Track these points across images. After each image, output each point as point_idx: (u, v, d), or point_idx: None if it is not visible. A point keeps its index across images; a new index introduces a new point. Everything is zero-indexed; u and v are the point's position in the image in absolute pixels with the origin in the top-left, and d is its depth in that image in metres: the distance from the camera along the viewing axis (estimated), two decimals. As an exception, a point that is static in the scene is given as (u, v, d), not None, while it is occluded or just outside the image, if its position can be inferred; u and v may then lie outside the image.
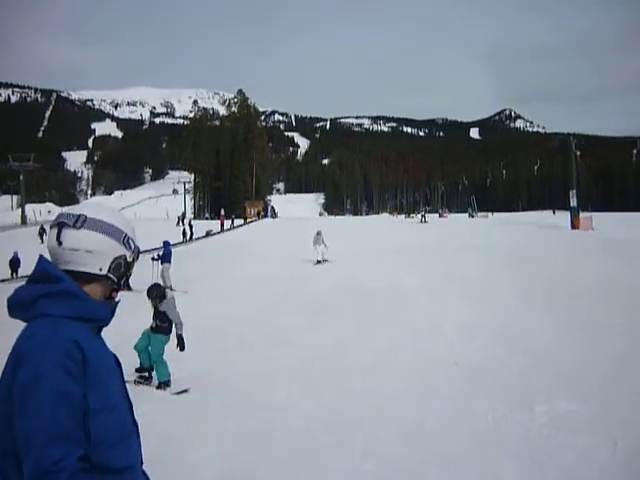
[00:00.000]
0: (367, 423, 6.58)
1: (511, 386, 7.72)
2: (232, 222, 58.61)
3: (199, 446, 6.01)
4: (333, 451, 5.81)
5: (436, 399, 7.36)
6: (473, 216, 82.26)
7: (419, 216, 65.65)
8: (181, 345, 8.10)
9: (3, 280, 21.80)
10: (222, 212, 60.24)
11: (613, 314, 12.16)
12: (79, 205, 1.94)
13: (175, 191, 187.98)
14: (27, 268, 18.62)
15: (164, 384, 7.93)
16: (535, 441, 5.93)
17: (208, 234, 44.81)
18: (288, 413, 6.98)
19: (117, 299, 1.95)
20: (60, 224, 1.83)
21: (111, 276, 1.87)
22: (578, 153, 48.54)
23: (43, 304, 1.74)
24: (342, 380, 8.30)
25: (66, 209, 1.90)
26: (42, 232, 39.41)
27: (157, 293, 8.25)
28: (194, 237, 40.72)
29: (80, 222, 1.82)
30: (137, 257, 1.97)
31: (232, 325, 12.40)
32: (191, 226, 41.99)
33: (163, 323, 8.14)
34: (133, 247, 1.94)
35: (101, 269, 1.84)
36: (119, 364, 1.90)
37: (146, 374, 8.21)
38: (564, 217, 52.55)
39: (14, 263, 23.97)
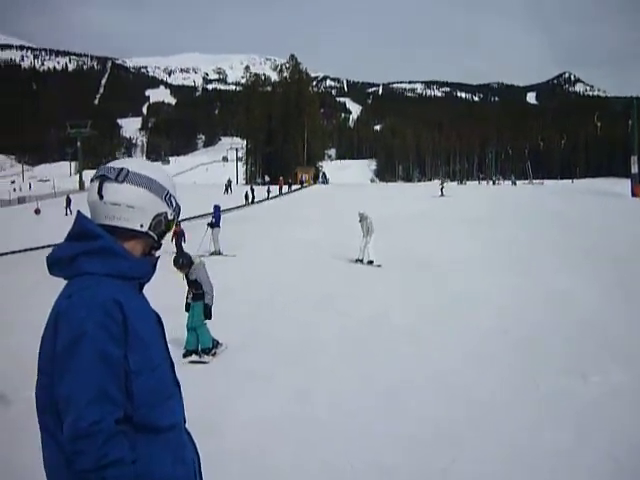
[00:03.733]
0: (417, 390, 6.54)
1: (562, 356, 7.54)
2: (289, 186, 61.84)
3: (244, 407, 6.09)
4: (381, 415, 5.81)
5: (486, 368, 7.26)
6: (515, 184, 79.72)
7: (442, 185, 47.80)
8: (208, 315, 7.95)
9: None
10: (281, 177, 63.03)
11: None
12: (122, 160, 1.89)
13: (225, 158, 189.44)
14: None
15: (207, 350, 7.92)
16: (589, 411, 5.79)
17: (269, 197, 48.66)
18: (334, 376, 7.01)
19: (157, 255, 1.92)
20: (102, 177, 1.78)
21: (151, 233, 1.83)
22: (635, 117, 46.33)
23: (83, 262, 1.71)
24: (388, 347, 8.27)
25: (109, 164, 1.84)
26: (68, 203, 37.91)
27: (184, 261, 7.98)
28: (255, 200, 44.31)
29: (122, 176, 1.77)
30: (178, 215, 1.92)
31: (279, 289, 12.49)
32: (253, 190, 46.13)
33: (198, 290, 8.00)
34: (175, 205, 1.88)
35: (142, 225, 1.79)
36: (161, 323, 1.89)
37: (196, 357, 7.91)
38: (622, 184, 50.76)
39: None
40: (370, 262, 15.32)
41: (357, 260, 15.56)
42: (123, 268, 1.74)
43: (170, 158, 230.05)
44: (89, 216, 1.80)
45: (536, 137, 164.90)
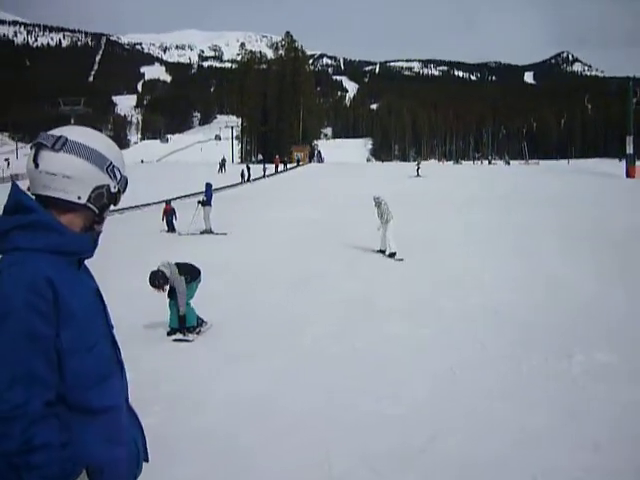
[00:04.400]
0: (397, 368, 6.51)
1: (549, 336, 7.51)
2: (285, 165, 63.05)
3: (226, 385, 6.06)
4: (360, 394, 5.77)
5: (471, 346, 7.22)
6: (509, 163, 80.00)
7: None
8: (181, 326, 7.72)
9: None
10: (277, 156, 65.00)
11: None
12: (63, 127, 1.78)
13: (218, 137, 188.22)
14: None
15: (191, 328, 7.82)
16: (569, 392, 5.76)
17: (264, 175, 49.76)
18: (316, 356, 6.97)
19: (99, 230, 1.81)
20: (38, 144, 1.68)
21: (91, 206, 1.72)
22: (634, 100, 46.10)
23: (16, 236, 1.62)
24: (374, 325, 8.23)
25: (50, 131, 1.74)
26: None
27: (159, 281, 7.52)
28: (252, 178, 45.15)
29: (59, 144, 1.66)
30: (124, 189, 1.81)
31: (269, 268, 12.42)
32: (249, 168, 46.59)
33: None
34: (119, 177, 1.77)
35: (80, 197, 1.69)
36: (101, 298, 1.80)
37: (180, 335, 7.77)
38: (618, 165, 50.72)
39: None
40: (392, 255, 13.12)
41: (379, 251, 13.60)
42: (56, 243, 1.65)
43: (166, 136, 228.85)
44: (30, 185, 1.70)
45: (533, 117, 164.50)
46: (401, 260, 12.84)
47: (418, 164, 48.44)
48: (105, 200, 1.76)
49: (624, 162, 44.55)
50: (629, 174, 41.94)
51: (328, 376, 6.31)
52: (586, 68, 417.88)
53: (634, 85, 47.12)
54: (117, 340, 1.82)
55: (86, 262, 1.81)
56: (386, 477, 4.20)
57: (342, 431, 4.96)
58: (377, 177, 42.20)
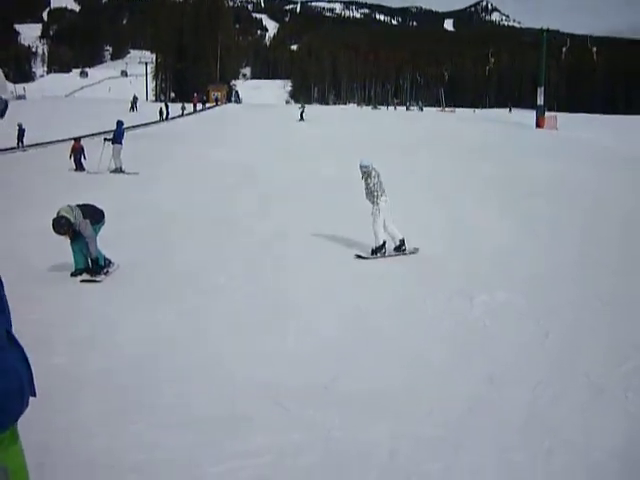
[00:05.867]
0: (306, 309, 6.62)
1: (455, 277, 7.79)
2: (203, 105, 62.21)
3: (133, 326, 5.98)
4: (267, 332, 5.85)
5: (380, 288, 7.42)
6: (422, 109, 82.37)
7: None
8: (93, 270, 7.51)
9: None
10: (195, 94, 62.98)
11: (561, 213, 12.46)
12: None
13: (124, 73, 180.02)
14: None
15: (99, 269, 7.63)
16: (470, 329, 6.04)
17: (182, 114, 48.81)
18: (228, 296, 6.98)
19: None
20: None
21: None
22: (544, 49, 47.37)
23: None
24: (287, 267, 8.30)
25: None
26: None
27: (65, 228, 7.20)
28: (169, 117, 44.59)
29: None
30: (3, 112, 1.64)
31: (184, 211, 12.19)
32: (167, 106, 46.12)
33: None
34: None
35: None
36: None
37: (88, 276, 7.53)
38: (528, 116, 52.49)
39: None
40: (399, 248, 8.97)
41: (374, 251, 8.82)
42: None
43: (75, 70, 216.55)
44: None
45: (450, 65, 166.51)
46: (416, 251, 9.04)
47: (302, 107, 46.52)
48: None
49: (535, 113, 46.06)
50: (539, 124, 43.46)
51: (237, 315, 6.36)
52: (504, 18, 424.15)
53: (547, 37, 48.33)
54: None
55: None
56: (290, 411, 4.32)
57: (248, 368, 5.02)
58: (273, 120, 41.07)
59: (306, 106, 49.03)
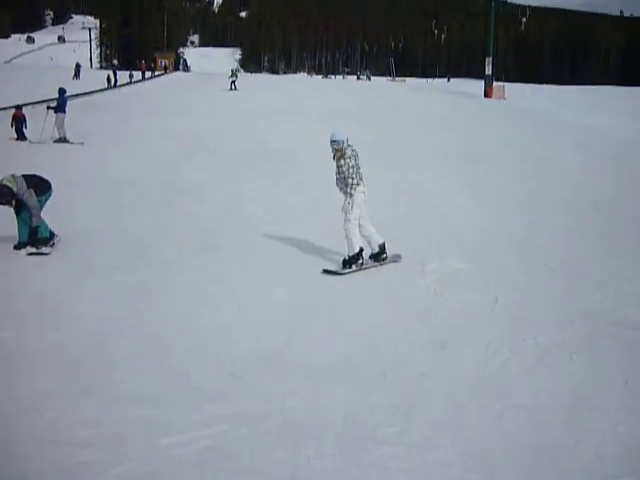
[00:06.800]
0: (258, 277, 6.60)
1: (405, 246, 7.81)
2: (152, 72, 61.42)
3: (82, 300, 5.84)
4: (220, 303, 5.82)
5: (332, 255, 7.42)
6: (370, 79, 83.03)
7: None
8: (32, 239, 7.27)
9: None
10: (144, 61, 62.07)
11: (505, 178, 12.89)
12: None
13: (61, 39, 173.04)
14: None
15: (44, 240, 7.41)
16: (422, 297, 6.12)
17: (131, 82, 47.26)
18: (178, 268, 6.88)
19: None
20: None
21: None
22: (492, 19, 47.60)
23: None
24: (239, 236, 8.23)
25: None
26: None
27: (8, 197, 7.02)
28: (118, 84, 43.20)
29: None
30: None
31: (132, 180, 11.88)
32: (115, 73, 44.51)
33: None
34: None
35: None
36: None
37: (34, 249, 7.31)
38: (475, 85, 53.12)
39: None
40: (378, 256, 7.09)
41: (347, 262, 6.87)
42: None
43: (14, 35, 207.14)
44: None
45: (401, 33, 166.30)
46: (397, 260, 7.27)
47: (232, 76, 41.55)
48: None
49: (483, 82, 46.49)
50: (487, 94, 43.94)
51: (189, 287, 6.28)
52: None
53: (496, 6, 48.47)
54: None
55: None
56: (245, 380, 4.30)
57: (201, 340, 4.99)
58: (222, 89, 39.82)
59: (240, 74, 45.12)
